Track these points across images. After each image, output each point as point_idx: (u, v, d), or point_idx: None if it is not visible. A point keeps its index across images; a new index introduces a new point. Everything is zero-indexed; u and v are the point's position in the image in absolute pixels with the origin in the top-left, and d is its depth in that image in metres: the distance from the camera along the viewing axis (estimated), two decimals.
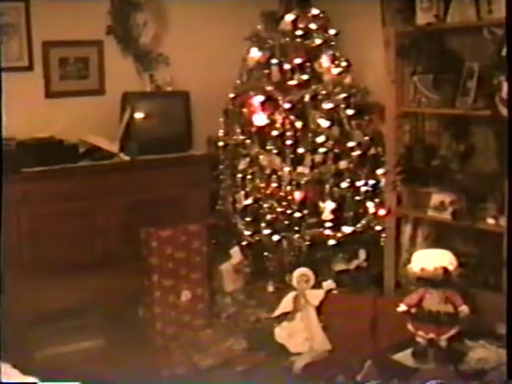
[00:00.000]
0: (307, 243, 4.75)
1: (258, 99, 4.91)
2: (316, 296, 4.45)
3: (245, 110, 5.03)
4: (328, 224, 4.72)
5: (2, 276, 4.08)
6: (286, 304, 4.44)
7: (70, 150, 4.74)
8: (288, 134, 4.80)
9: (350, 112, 4.80)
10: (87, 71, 5.09)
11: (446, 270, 3.84)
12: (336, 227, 4.73)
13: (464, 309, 3.81)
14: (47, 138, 4.69)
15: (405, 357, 3.91)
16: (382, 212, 4.73)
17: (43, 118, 4.82)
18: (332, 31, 4.88)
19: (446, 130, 4.56)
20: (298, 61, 4.83)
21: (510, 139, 3.22)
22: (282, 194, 4.80)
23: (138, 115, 4.98)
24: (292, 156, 4.80)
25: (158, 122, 5.08)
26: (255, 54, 4.97)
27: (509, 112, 3.60)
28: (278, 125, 4.83)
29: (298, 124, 4.80)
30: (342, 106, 4.79)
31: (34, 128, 4.67)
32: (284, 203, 4.79)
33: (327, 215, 4.70)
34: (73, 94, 5.03)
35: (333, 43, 4.89)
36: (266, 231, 4.84)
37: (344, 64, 4.88)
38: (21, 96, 4.64)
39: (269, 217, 4.85)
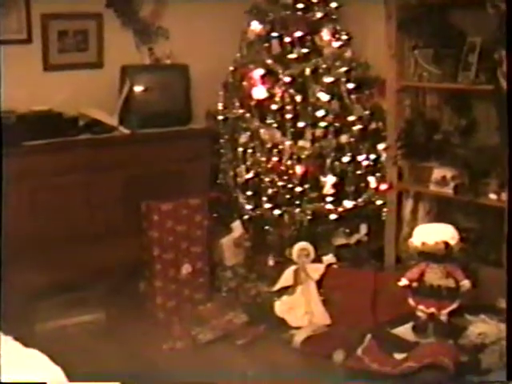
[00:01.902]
0: (308, 217, 4.76)
1: (257, 72, 4.89)
2: (316, 270, 4.46)
3: (244, 83, 5.00)
4: (329, 198, 4.72)
5: (1, 249, 4.07)
6: (287, 278, 4.45)
7: (69, 123, 4.72)
8: (288, 107, 4.77)
9: (350, 86, 4.78)
10: (86, 44, 5.05)
11: (447, 244, 3.85)
12: (337, 202, 4.73)
13: (465, 283, 3.82)
14: (46, 111, 4.67)
15: (405, 331, 3.93)
16: (383, 186, 4.73)
17: (42, 90, 4.79)
18: (333, 4, 4.84)
19: (447, 105, 4.55)
20: (298, 34, 4.80)
21: (509, 114, 3.21)
22: (282, 168, 4.79)
23: (138, 88, 4.96)
24: (292, 130, 4.78)
25: (158, 95, 5.06)
26: (255, 26, 4.94)
27: (508, 86, 3.59)
28: (277, 98, 4.80)
29: (298, 98, 4.78)
30: (343, 79, 4.77)
31: (32, 101, 4.65)
32: (285, 177, 4.78)
33: (328, 189, 4.70)
34: (71, 67, 4.99)
35: (334, 17, 4.86)
36: (267, 205, 4.84)
37: (345, 38, 4.85)
38: (19, 69, 4.61)
39: (270, 191, 4.84)
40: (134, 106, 4.95)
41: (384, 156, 4.77)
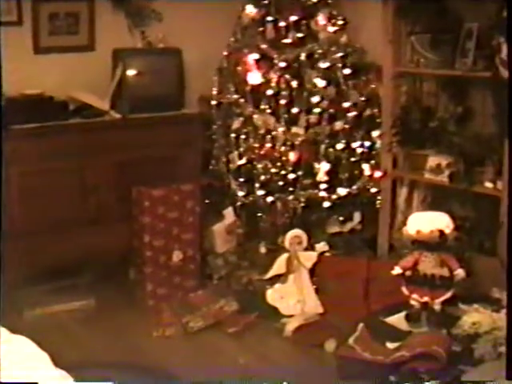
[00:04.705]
0: (301, 205, 4.73)
1: (252, 57, 4.84)
2: (309, 258, 4.43)
3: (239, 68, 4.95)
4: (323, 185, 4.69)
5: None
6: (279, 266, 4.42)
7: (60, 107, 4.66)
8: (283, 93, 4.73)
9: (346, 72, 4.74)
10: (77, 27, 4.97)
11: (442, 233, 3.82)
12: (331, 189, 4.70)
13: (460, 272, 3.80)
14: (37, 94, 4.60)
15: (398, 320, 3.91)
16: (377, 174, 4.71)
17: (32, 74, 4.72)
18: None
19: (443, 92, 4.51)
20: (293, 18, 4.75)
21: (510, 101, 3.16)
22: (276, 154, 4.76)
23: (130, 72, 4.90)
24: (286, 116, 4.74)
25: (150, 79, 4.99)
26: (250, 10, 4.88)
27: (509, 74, 3.54)
28: (273, 84, 4.75)
29: (294, 83, 4.73)
30: (339, 65, 4.73)
31: (22, 84, 4.56)
32: (278, 164, 4.75)
33: (322, 177, 4.67)
34: (62, 50, 4.92)
35: (329, 1, 4.80)
36: (260, 192, 4.80)
37: (340, 22, 4.80)
38: (9, 51, 4.53)
39: (263, 177, 4.80)
40: (126, 90, 4.88)
41: (379, 143, 4.75)
